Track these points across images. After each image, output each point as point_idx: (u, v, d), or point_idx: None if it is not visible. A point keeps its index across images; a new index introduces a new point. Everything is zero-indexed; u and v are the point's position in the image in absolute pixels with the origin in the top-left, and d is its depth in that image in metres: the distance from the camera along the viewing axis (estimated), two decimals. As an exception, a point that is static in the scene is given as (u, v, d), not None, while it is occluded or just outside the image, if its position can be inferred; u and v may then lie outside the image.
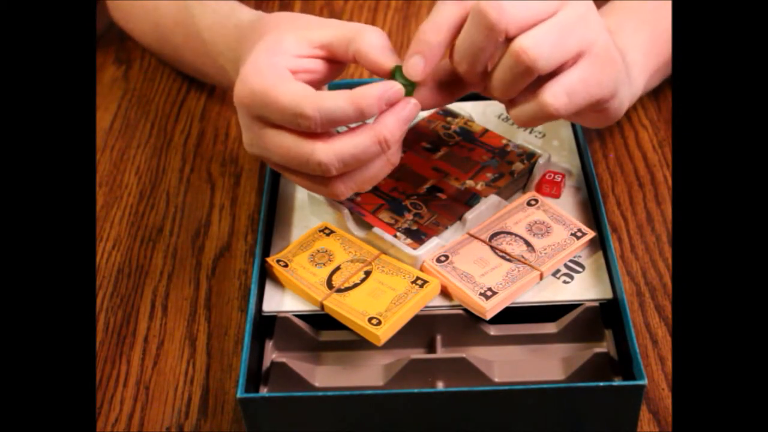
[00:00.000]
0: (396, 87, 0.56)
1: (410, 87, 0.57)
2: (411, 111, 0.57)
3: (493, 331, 0.63)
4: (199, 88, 0.90)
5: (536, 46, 0.53)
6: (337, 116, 0.55)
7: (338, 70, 0.61)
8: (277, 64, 0.57)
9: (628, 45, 0.64)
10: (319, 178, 0.58)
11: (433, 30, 0.55)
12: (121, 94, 0.90)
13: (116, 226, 0.77)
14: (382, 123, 0.56)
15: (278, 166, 0.60)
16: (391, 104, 0.56)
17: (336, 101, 0.55)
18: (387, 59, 0.58)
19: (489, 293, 0.60)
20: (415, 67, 0.56)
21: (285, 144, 0.57)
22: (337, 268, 0.63)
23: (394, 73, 0.57)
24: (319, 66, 0.60)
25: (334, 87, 0.62)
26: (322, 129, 0.56)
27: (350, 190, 0.59)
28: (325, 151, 0.56)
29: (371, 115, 0.56)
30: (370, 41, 0.58)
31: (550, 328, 0.63)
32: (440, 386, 0.60)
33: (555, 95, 0.54)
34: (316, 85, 0.60)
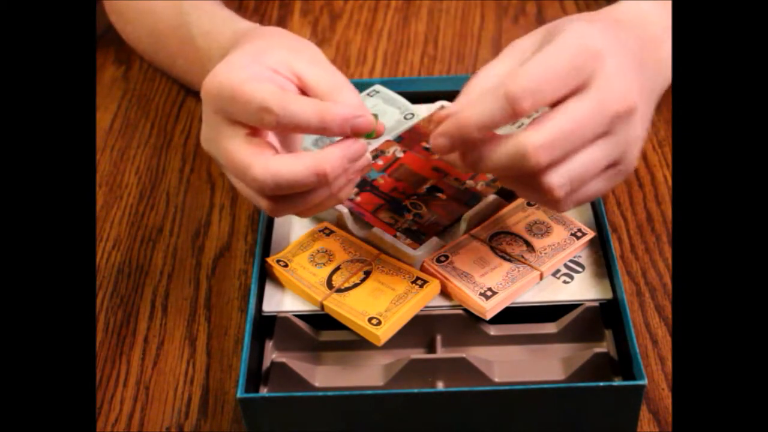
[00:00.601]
0: (367, 116, 0.55)
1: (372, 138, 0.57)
2: (357, 150, 0.55)
3: (493, 331, 0.63)
4: (199, 88, 0.90)
5: (562, 188, 0.52)
6: (300, 121, 0.54)
7: None
8: (252, 68, 0.56)
9: (670, 52, 0.61)
10: (257, 193, 0.56)
11: (479, 128, 0.52)
12: (121, 94, 0.90)
13: (116, 226, 0.77)
14: (323, 154, 0.54)
15: (225, 171, 0.58)
16: (356, 133, 0.55)
17: (303, 106, 0.54)
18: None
19: (489, 293, 0.60)
20: (441, 148, 0.54)
21: (232, 148, 0.55)
22: (337, 268, 0.63)
23: (366, 136, 0.56)
24: (289, 87, 0.57)
25: None
26: (282, 130, 0.54)
27: (286, 213, 0.57)
28: (262, 167, 0.54)
29: (332, 133, 0.54)
30: (348, 101, 0.56)
31: (550, 328, 0.63)
32: (440, 386, 0.60)
33: (564, 207, 0.54)
34: None
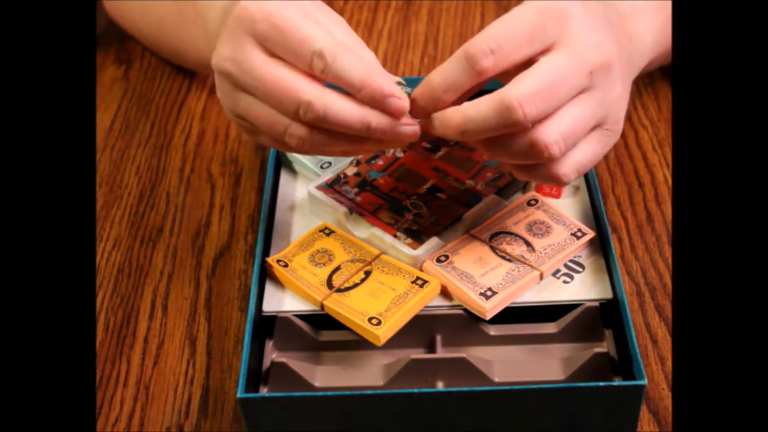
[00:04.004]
0: (403, 102, 0.54)
1: None
2: (407, 130, 0.55)
3: (493, 331, 0.63)
4: (199, 88, 0.90)
5: (556, 144, 0.53)
6: (345, 76, 0.53)
7: None
8: (296, 3, 0.55)
9: (642, 29, 0.63)
10: (294, 119, 0.55)
11: (444, 89, 0.54)
12: (121, 94, 0.90)
13: (116, 226, 0.77)
14: (374, 112, 0.54)
15: (246, 94, 0.56)
16: (388, 111, 0.54)
17: (354, 62, 0.53)
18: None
19: (489, 293, 0.60)
20: (417, 111, 0.55)
21: (277, 74, 0.54)
22: (337, 268, 0.63)
23: None
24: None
25: None
26: (324, 79, 0.54)
27: (316, 149, 0.57)
28: (318, 95, 0.53)
29: (364, 99, 0.54)
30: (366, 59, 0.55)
31: (550, 328, 0.63)
32: (440, 386, 0.60)
33: (567, 175, 0.55)
34: None
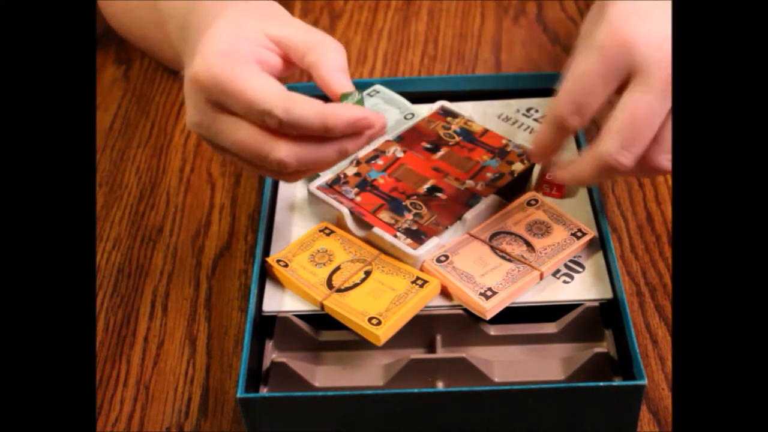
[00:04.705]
0: (369, 119, 0.55)
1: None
2: (379, 132, 0.56)
3: (493, 331, 0.63)
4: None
5: (668, 161, 0.56)
6: (303, 125, 0.54)
7: (291, 69, 0.60)
8: (241, 50, 0.56)
9: None
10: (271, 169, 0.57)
11: (545, 154, 0.60)
12: (121, 94, 0.90)
13: (116, 226, 0.77)
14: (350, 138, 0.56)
15: (226, 151, 0.58)
16: (358, 131, 0.55)
17: (306, 111, 0.54)
18: (340, 84, 0.57)
19: (489, 293, 0.60)
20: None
21: (242, 135, 0.55)
22: (337, 268, 0.63)
23: (343, 99, 0.57)
24: (275, 61, 0.58)
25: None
26: (284, 131, 0.55)
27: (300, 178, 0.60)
28: (287, 152, 0.55)
29: (335, 136, 0.55)
30: (329, 61, 0.57)
31: (550, 328, 0.63)
32: (440, 386, 0.60)
33: (670, 161, 0.56)
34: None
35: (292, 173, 0.58)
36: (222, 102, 0.55)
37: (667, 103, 0.54)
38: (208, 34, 0.56)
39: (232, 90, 0.54)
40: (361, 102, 0.57)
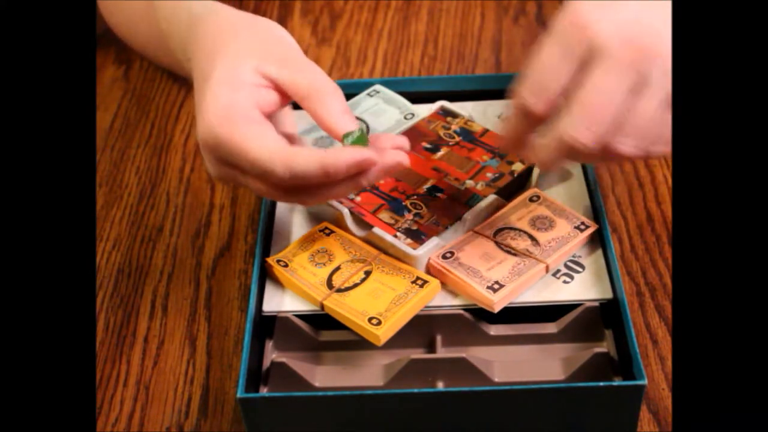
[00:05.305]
0: (368, 160, 0.56)
1: (365, 146, 0.58)
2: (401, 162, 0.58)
3: (493, 331, 0.63)
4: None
5: (630, 148, 0.54)
6: (306, 177, 0.56)
7: (288, 101, 0.62)
8: (240, 103, 0.58)
9: None
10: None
11: (515, 145, 0.58)
12: (121, 94, 0.90)
13: (116, 226, 0.77)
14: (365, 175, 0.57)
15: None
16: (360, 170, 0.57)
17: (307, 164, 0.55)
18: (343, 127, 0.58)
19: (496, 286, 0.60)
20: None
21: (256, 186, 0.58)
22: (337, 268, 0.63)
23: (344, 138, 0.58)
24: (273, 97, 0.60)
25: None
26: (290, 184, 0.57)
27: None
28: (298, 198, 0.59)
29: (339, 180, 0.57)
30: (329, 107, 0.59)
31: (550, 328, 0.63)
32: (440, 386, 0.60)
33: (630, 146, 0.55)
34: (273, 114, 0.61)
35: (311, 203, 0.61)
36: (229, 161, 0.58)
37: (625, 86, 0.53)
38: (208, 89, 0.58)
39: (235, 152, 0.56)
40: (362, 137, 0.58)
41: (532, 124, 0.56)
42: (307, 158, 0.56)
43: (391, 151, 0.58)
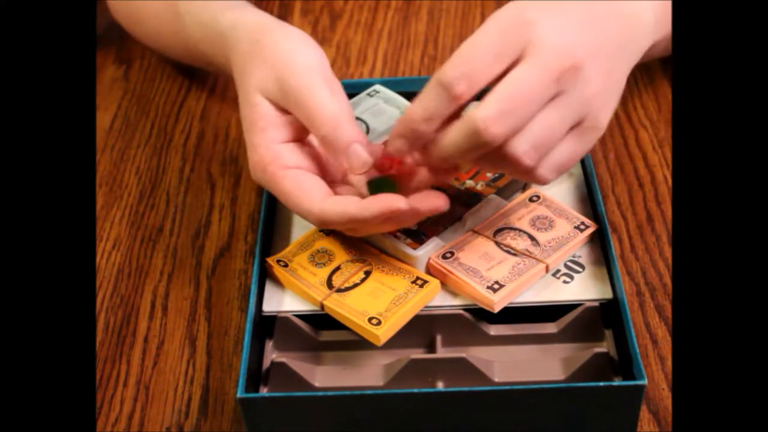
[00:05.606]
0: (396, 211, 0.56)
1: (392, 191, 0.58)
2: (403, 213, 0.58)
3: (493, 331, 0.63)
4: (199, 88, 0.90)
5: (526, 155, 0.54)
6: (336, 224, 0.59)
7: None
8: (271, 145, 0.60)
9: (642, 8, 0.61)
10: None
11: (425, 120, 0.55)
12: (121, 94, 0.90)
13: (116, 226, 0.77)
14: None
15: None
16: (391, 217, 0.57)
17: (340, 214, 0.57)
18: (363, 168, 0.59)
19: (496, 286, 0.60)
20: (400, 150, 0.57)
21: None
22: (337, 268, 0.63)
23: (369, 188, 0.60)
24: (296, 123, 0.61)
25: None
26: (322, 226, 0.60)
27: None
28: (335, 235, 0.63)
29: (371, 226, 0.59)
30: (357, 160, 0.59)
31: (550, 328, 0.63)
32: (440, 386, 0.60)
33: (545, 177, 0.56)
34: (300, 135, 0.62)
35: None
36: (275, 192, 0.61)
37: (550, 91, 0.53)
38: (248, 141, 0.61)
39: (278, 194, 0.60)
40: (387, 183, 0.59)
41: (448, 107, 0.54)
42: (340, 207, 0.58)
43: (427, 197, 0.57)
